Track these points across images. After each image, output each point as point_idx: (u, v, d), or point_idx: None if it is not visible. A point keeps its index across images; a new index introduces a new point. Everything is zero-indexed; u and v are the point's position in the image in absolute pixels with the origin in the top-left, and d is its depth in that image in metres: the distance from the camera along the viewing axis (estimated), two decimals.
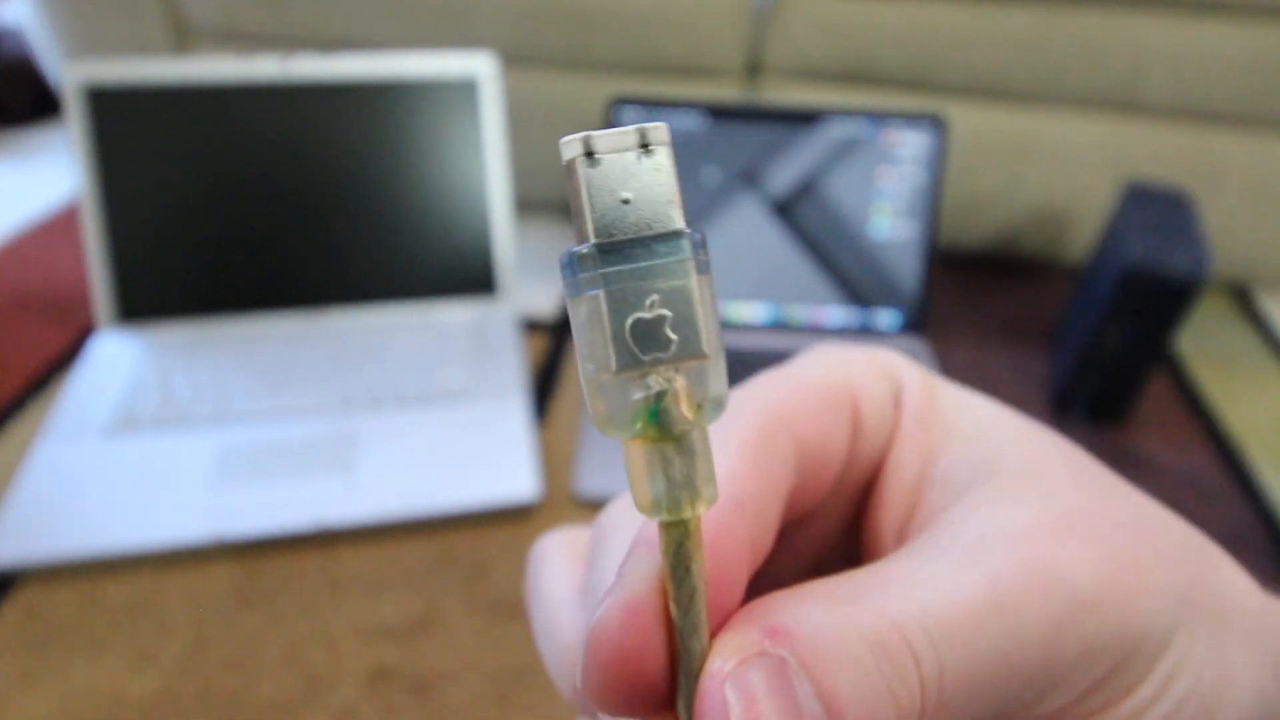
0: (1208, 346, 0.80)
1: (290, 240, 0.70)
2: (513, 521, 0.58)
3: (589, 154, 0.11)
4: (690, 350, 0.11)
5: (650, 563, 0.12)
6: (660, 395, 0.11)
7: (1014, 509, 0.14)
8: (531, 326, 0.77)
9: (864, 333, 0.74)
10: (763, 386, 0.16)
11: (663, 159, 0.11)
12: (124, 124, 0.65)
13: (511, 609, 0.53)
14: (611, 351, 0.10)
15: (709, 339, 0.11)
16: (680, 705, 0.12)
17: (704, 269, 0.11)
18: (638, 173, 0.11)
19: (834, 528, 0.18)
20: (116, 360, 0.66)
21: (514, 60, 0.81)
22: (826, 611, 0.12)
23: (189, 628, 0.51)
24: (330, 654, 0.50)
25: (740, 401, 0.15)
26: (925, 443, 0.16)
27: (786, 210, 0.73)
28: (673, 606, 0.12)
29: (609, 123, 0.72)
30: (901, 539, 0.16)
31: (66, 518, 0.54)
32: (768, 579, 0.18)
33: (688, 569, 0.12)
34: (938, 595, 0.13)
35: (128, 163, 0.66)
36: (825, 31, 0.78)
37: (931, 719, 0.12)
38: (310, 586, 0.53)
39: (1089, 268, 0.72)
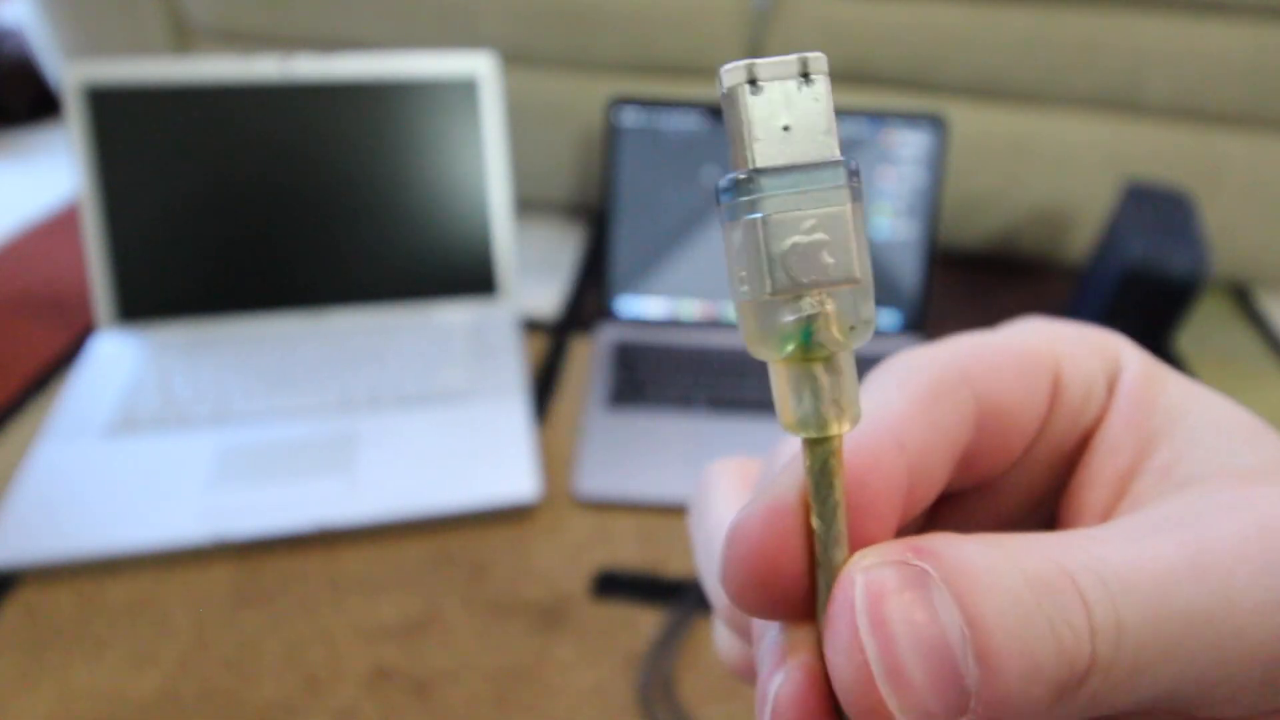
0: (1208, 346, 0.80)
1: (290, 240, 0.70)
2: (513, 521, 0.58)
3: (752, 81, 0.11)
4: (844, 274, 0.11)
5: (797, 474, 0.12)
6: (813, 318, 0.11)
7: (1241, 491, 0.12)
8: (531, 326, 0.77)
9: None
10: (955, 342, 0.16)
11: (821, 88, 0.11)
12: (124, 124, 0.65)
13: (511, 609, 0.53)
14: (768, 274, 0.11)
15: (861, 264, 0.11)
16: (820, 614, 0.12)
17: (858, 196, 0.11)
18: (797, 101, 0.11)
19: (1021, 503, 0.17)
20: (116, 360, 0.66)
21: (514, 60, 0.81)
22: (986, 548, 0.11)
23: (189, 628, 0.51)
24: (330, 654, 0.50)
25: (926, 352, 0.15)
26: (1144, 428, 0.15)
27: None
28: (814, 519, 0.12)
29: (609, 123, 0.72)
30: (1104, 521, 0.15)
31: (66, 518, 0.54)
32: None
33: (831, 484, 0.12)
34: (1126, 551, 0.11)
35: (128, 163, 0.66)
36: (825, 31, 0.78)
37: (1110, 676, 0.11)
38: (310, 586, 0.53)
39: (1089, 268, 0.72)
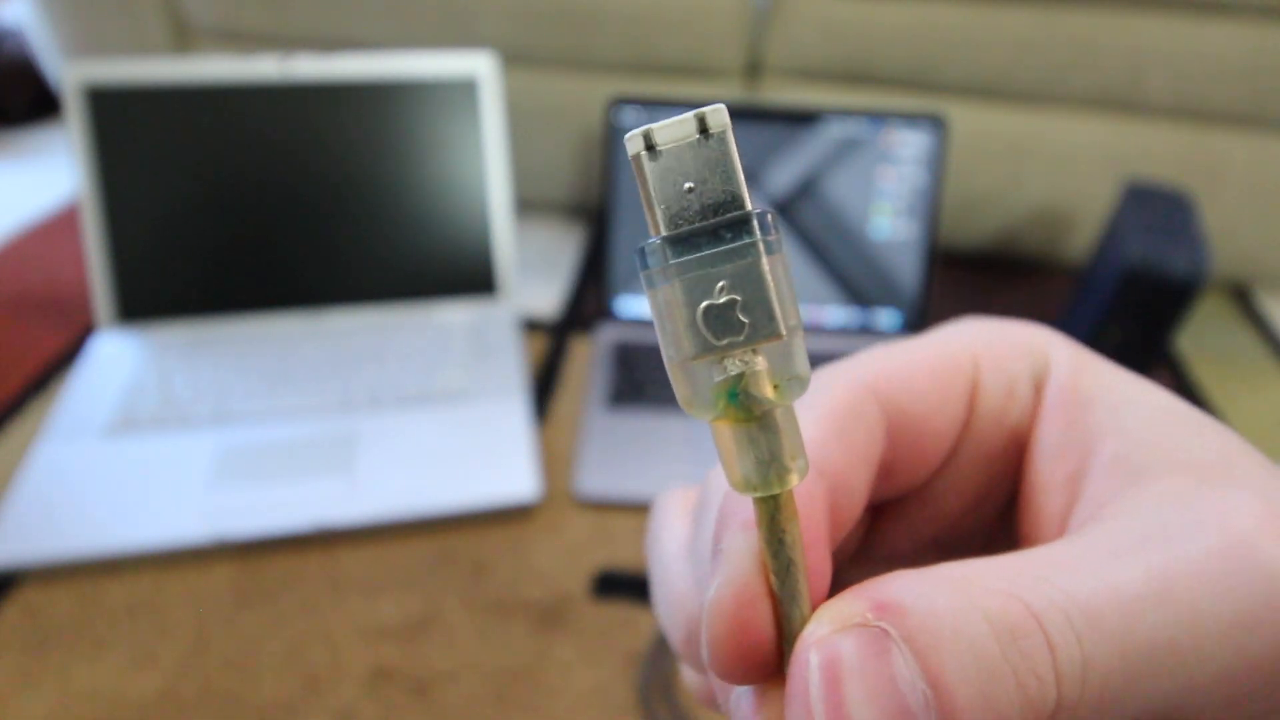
0: (1208, 346, 0.80)
1: (290, 240, 0.70)
2: (513, 521, 0.58)
3: (650, 147, 0.11)
4: (764, 332, 0.11)
5: (746, 539, 0.12)
6: (738, 378, 0.11)
7: (1204, 497, 0.12)
8: (531, 326, 0.77)
9: (864, 333, 0.74)
10: (862, 357, 0.16)
11: (721, 143, 0.11)
12: (124, 124, 0.65)
13: (511, 609, 0.53)
14: (686, 338, 0.11)
15: (783, 318, 0.11)
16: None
17: (773, 249, 0.11)
18: (699, 159, 0.11)
19: (958, 503, 0.17)
20: (116, 360, 0.66)
21: (514, 60, 0.81)
22: (950, 591, 0.11)
23: (189, 628, 0.51)
24: (330, 654, 0.50)
25: (831, 372, 0.15)
26: (1084, 425, 0.15)
27: (787, 210, 0.73)
28: (771, 578, 0.12)
29: (609, 123, 0.72)
30: (1064, 529, 0.14)
31: (66, 518, 0.54)
32: (884, 557, 0.18)
33: (781, 541, 0.12)
34: (1090, 580, 0.11)
35: (128, 163, 0.66)
36: (825, 31, 0.78)
37: (1073, 713, 0.10)
38: (310, 586, 0.53)
39: (1089, 268, 0.72)
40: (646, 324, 0.75)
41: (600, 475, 0.61)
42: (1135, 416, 0.14)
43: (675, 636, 0.16)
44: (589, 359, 0.73)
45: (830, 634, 0.11)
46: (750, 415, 0.11)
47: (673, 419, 0.65)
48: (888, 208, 0.73)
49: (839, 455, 0.14)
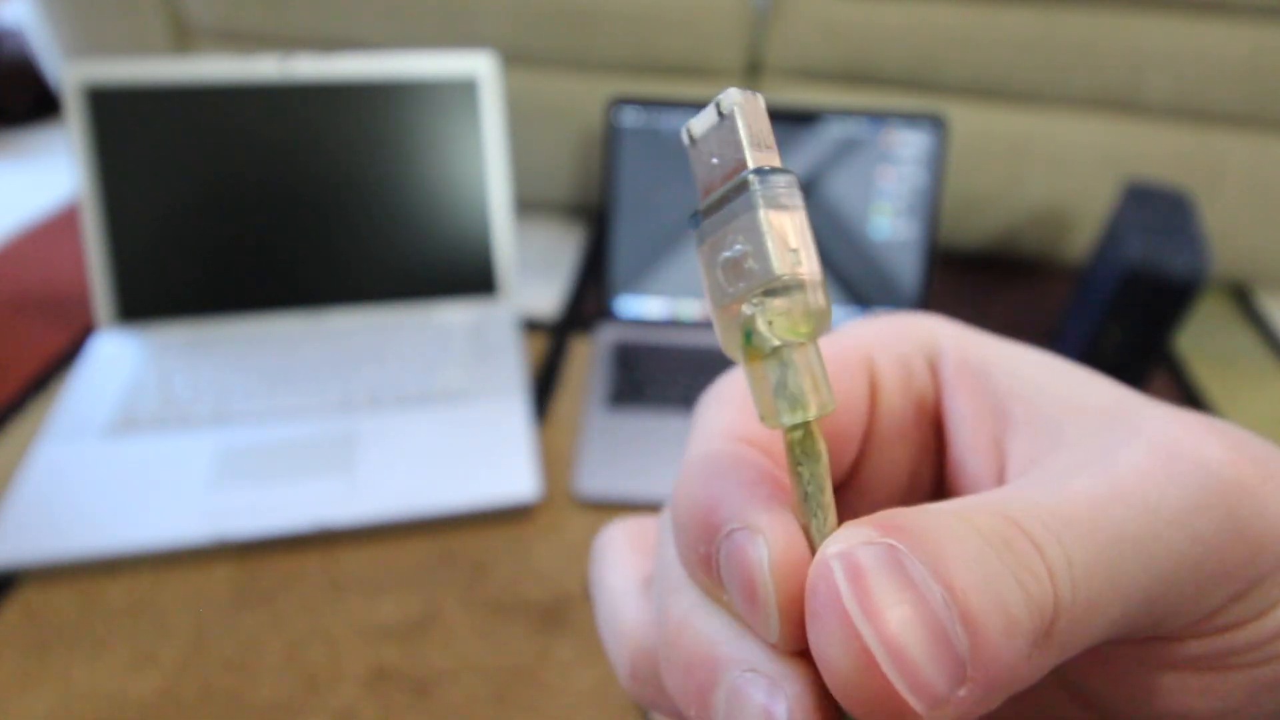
0: (1208, 346, 0.79)
1: (290, 240, 0.70)
2: (513, 521, 0.58)
3: (691, 139, 0.12)
4: (765, 276, 0.12)
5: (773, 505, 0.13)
6: (750, 319, 0.12)
7: (1124, 422, 0.13)
8: (531, 326, 0.77)
9: None
10: None
11: (732, 120, 0.12)
12: (124, 124, 0.65)
13: (511, 609, 0.53)
14: (714, 289, 0.12)
15: (780, 262, 0.12)
16: None
17: (773, 201, 0.12)
18: (720, 137, 0.12)
19: (892, 490, 0.18)
20: (116, 360, 0.66)
21: (514, 60, 0.81)
22: (941, 514, 0.11)
23: (189, 628, 0.51)
24: (330, 654, 0.50)
25: (730, 374, 0.16)
26: (988, 392, 0.16)
27: None
28: (801, 514, 0.12)
29: (609, 123, 0.72)
30: (1002, 483, 0.15)
31: (66, 518, 0.54)
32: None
33: (808, 475, 0.12)
34: (1053, 495, 0.12)
35: (128, 163, 0.66)
36: (825, 31, 0.78)
37: (1071, 614, 0.11)
38: (310, 586, 0.53)
39: (1089, 268, 0.72)
40: (646, 324, 0.75)
41: (600, 475, 0.61)
42: (1030, 377, 0.15)
43: (623, 672, 0.16)
44: (589, 359, 0.73)
45: (843, 549, 0.11)
46: (767, 352, 0.12)
47: (673, 419, 0.65)
48: (888, 208, 0.73)
49: (756, 429, 0.15)
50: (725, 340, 0.13)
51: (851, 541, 0.11)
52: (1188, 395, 0.73)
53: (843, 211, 0.73)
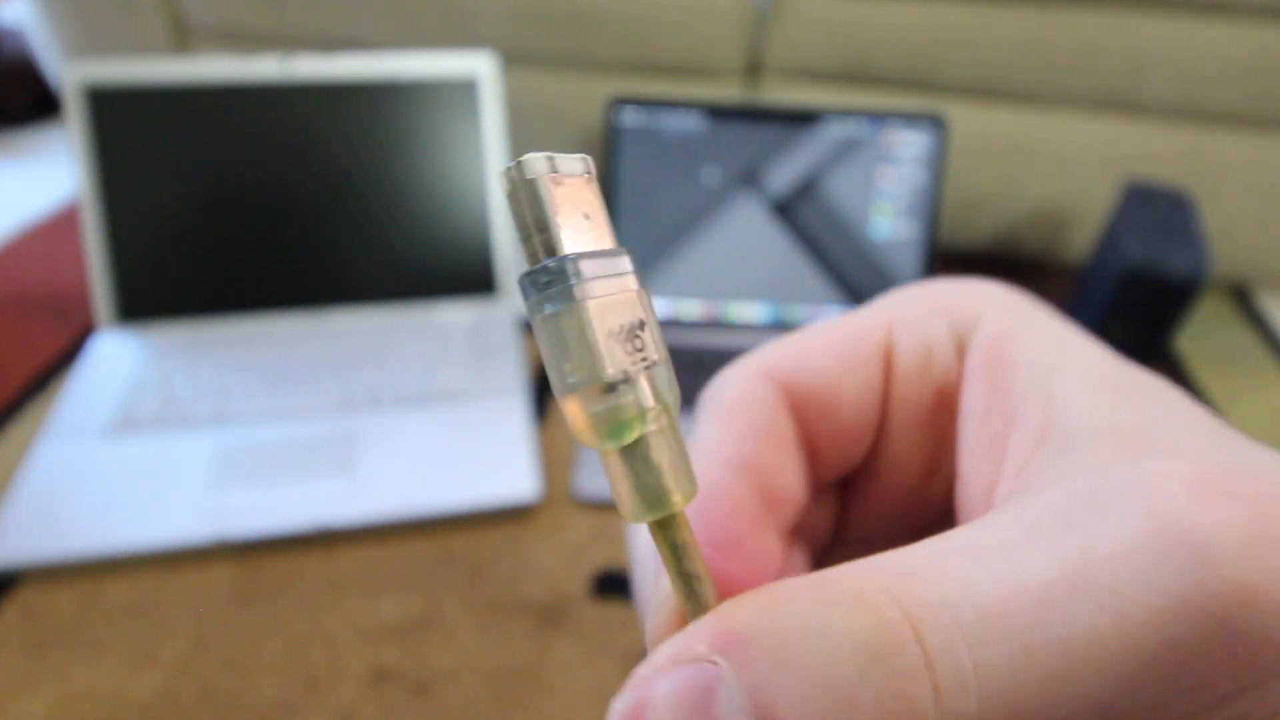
0: (1208, 346, 0.79)
1: (290, 240, 0.70)
2: (513, 521, 0.58)
3: (511, 181, 0.12)
4: (594, 377, 0.11)
5: (656, 580, 0.13)
6: (596, 414, 0.11)
7: (1131, 467, 0.11)
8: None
9: None
10: (761, 348, 0.16)
11: (539, 188, 0.11)
12: (124, 124, 0.65)
13: (511, 609, 0.53)
14: (552, 375, 0.11)
15: (611, 360, 0.11)
16: None
17: (593, 292, 0.11)
18: (536, 197, 0.11)
19: (910, 477, 0.16)
20: (116, 360, 0.66)
21: (514, 60, 0.81)
22: (807, 607, 0.10)
23: (189, 628, 0.51)
24: (330, 654, 0.50)
25: (730, 369, 0.16)
26: (1007, 388, 0.14)
27: (786, 210, 0.73)
28: (679, 598, 0.12)
29: (609, 123, 0.72)
30: (990, 501, 0.13)
31: (66, 518, 0.54)
32: (858, 538, 0.18)
33: (678, 562, 0.11)
34: (997, 570, 0.10)
35: (128, 163, 0.66)
36: (825, 31, 0.78)
37: None
38: (310, 586, 0.53)
39: (1089, 268, 0.72)
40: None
41: (600, 475, 0.61)
42: (1064, 381, 0.13)
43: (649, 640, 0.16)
44: None
45: (653, 672, 0.10)
46: (619, 445, 0.11)
47: None
48: (888, 208, 0.73)
49: (749, 443, 0.14)
50: (577, 431, 0.11)
51: (675, 657, 0.10)
52: (1188, 395, 0.73)
53: (843, 211, 0.73)
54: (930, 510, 0.17)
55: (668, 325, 0.75)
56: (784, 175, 0.72)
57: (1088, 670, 0.10)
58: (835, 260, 0.73)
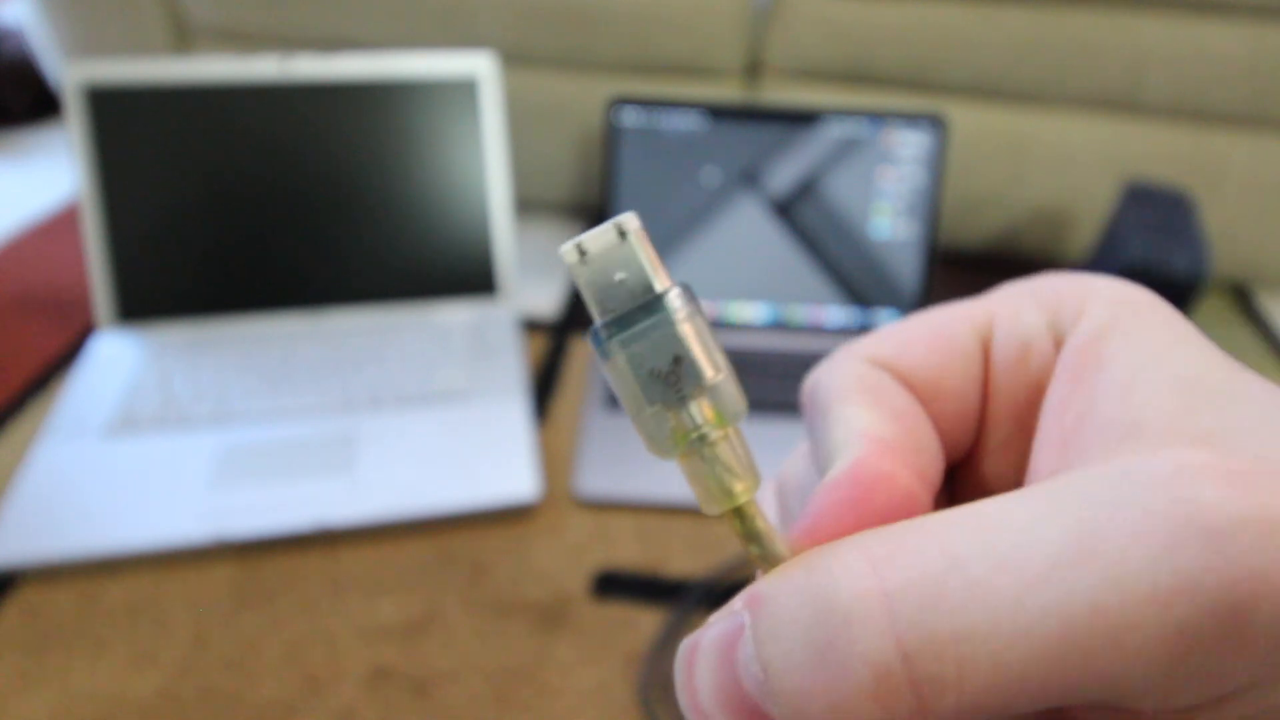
0: None
1: (290, 240, 0.70)
2: (513, 521, 0.58)
3: (582, 254, 0.13)
4: (695, 381, 0.13)
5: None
6: (684, 422, 0.13)
7: (1173, 464, 0.11)
8: (531, 326, 0.77)
9: (864, 333, 0.74)
10: (862, 338, 0.16)
11: (634, 241, 0.13)
12: (124, 124, 0.65)
13: (511, 609, 0.53)
14: (639, 397, 0.13)
15: (709, 367, 0.13)
16: None
17: (690, 315, 0.13)
18: (621, 256, 0.13)
19: (1008, 473, 0.16)
20: (116, 360, 0.66)
21: (514, 60, 0.81)
22: (801, 576, 0.11)
23: (189, 628, 0.51)
24: (330, 654, 0.50)
25: (834, 357, 0.16)
26: (1089, 385, 0.13)
27: (786, 210, 0.73)
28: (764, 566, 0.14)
29: (609, 123, 0.72)
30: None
31: (66, 518, 0.54)
32: None
33: (752, 545, 0.13)
34: (1003, 540, 0.10)
35: (128, 163, 0.66)
36: (825, 31, 0.78)
37: (966, 694, 0.10)
38: (310, 586, 0.53)
39: (1089, 268, 0.72)
40: None
41: (600, 475, 0.61)
42: (1149, 381, 0.12)
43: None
44: (589, 359, 0.73)
45: (712, 621, 0.12)
46: (700, 449, 0.13)
47: None
48: (888, 208, 0.73)
49: (897, 425, 0.14)
50: (654, 442, 0.13)
51: (726, 611, 0.12)
52: None
53: (843, 211, 0.73)
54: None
55: None
56: (784, 175, 0.72)
57: (1088, 641, 0.09)
58: (835, 260, 0.73)
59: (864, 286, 0.74)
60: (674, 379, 0.13)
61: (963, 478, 0.17)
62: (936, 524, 0.11)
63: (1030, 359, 0.15)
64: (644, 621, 0.52)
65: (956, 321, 0.15)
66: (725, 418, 0.13)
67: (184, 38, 0.88)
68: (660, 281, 0.13)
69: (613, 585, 0.54)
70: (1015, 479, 0.16)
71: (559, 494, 0.60)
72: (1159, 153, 0.79)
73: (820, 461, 0.15)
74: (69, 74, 0.64)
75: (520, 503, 0.58)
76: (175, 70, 0.65)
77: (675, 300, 0.13)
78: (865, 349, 0.16)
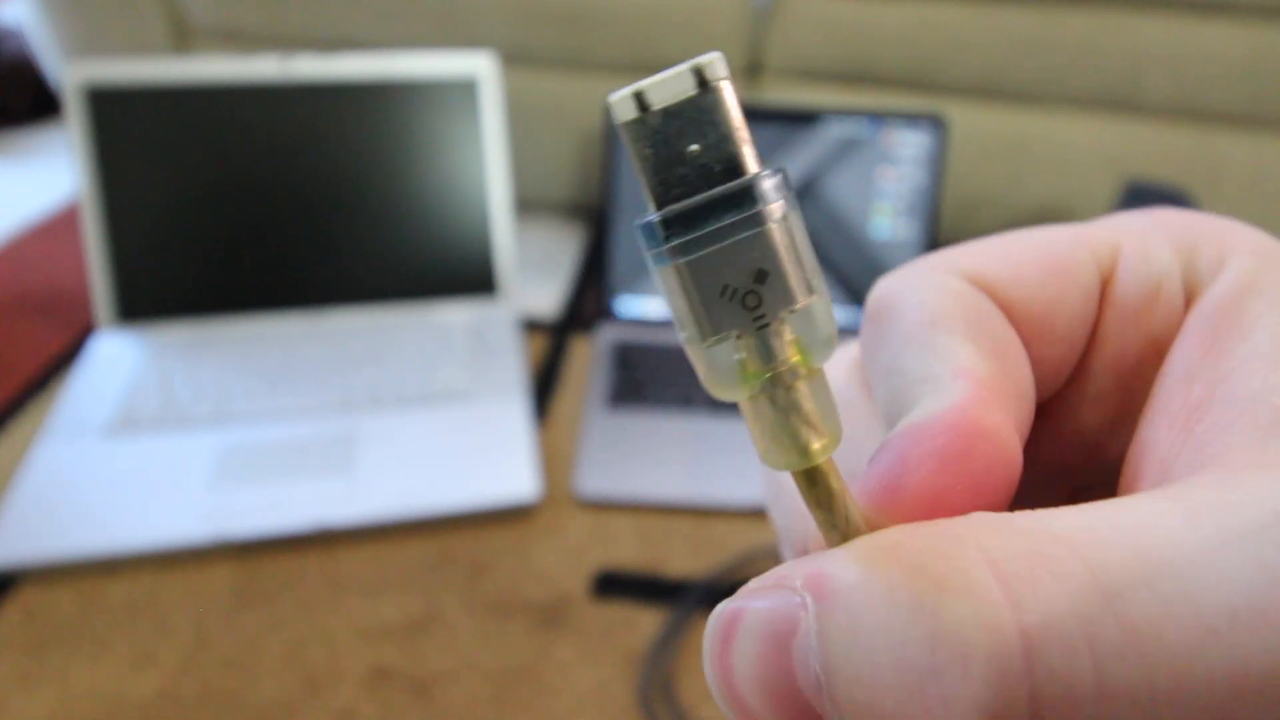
0: None
1: (290, 240, 0.70)
2: (513, 521, 0.58)
3: (644, 108, 0.10)
4: (781, 303, 0.10)
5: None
6: (759, 354, 0.10)
7: None
8: (531, 326, 0.77)
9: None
10: (961, 247, 0.14)
11: (720, 96, 0.10)
12: (124, 124, 0.65)
13: (511, 609, 0.53)
14: (701, 319, 0.10)
15: (799, 285, 0.10)
16: None
17: (786, 213, 0.10)
18: (698, 117, 0.10)
19: (1092, 426, 0.14)
20: (116, 360, 0.66)
21: (514, 60, 0.81)
22: (896, 571, 0.09)
23: (189, 628, 0.51)
24: (330, 654, 0.50)
25: (918, 264, 0.13)
26: (1225, 351, 0.11)
27: None
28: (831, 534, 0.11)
29: (609, 123, 0.72)
30: (1167, 474, 0.11)
31: (66, 518, 0.54)
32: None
33: (816, 512, 0.11)
34: (1165, 570, 0.08)
35: (128, 163, 0.66)
36: (825, 31, 0.78)
37: (1104, 707, 0.08)
38: (310, 586, 0.53)
39: None
40: (646, 324, 0.75)
41: (600, 475, 0.61)
42: None
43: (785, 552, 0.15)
44: (589, 359, 0.73)
45: (759, 589, 0.10)
46: (773, 393, 0.10)
47: (673, 419, 0.65)
48: (888, 208, 0.73)
49: (1001, 365, 0.12)
50: (714, 378, 0.10)
51: (777, 579, 0.10)
52: None
53: (843, 211, 0.73)
54: (1100, 468, 0.14)
55: (668, 325, 0.75)
56: None
57: (1253, 709, 0.08)
58: (835, 260, 0.73)
59: (864, 286, 0.74)
60: (753, 300, 0.10)
61: (1037, 426, 0.13)
62: (1076, 531, 0.09)
63: (1156, 308, 0.12)
64: (644, 621, 0.52)
65: (1077, 248, 0.13)
66: (812, 355, 0.10)
67: (184, 38, 0.88)
68: (751, 161, 0.10)
69: (613, 585, 0.54)
70: (1102, 441, 0.14)
71: (559, 494, 0.60)
72: (1159, 153, 0.79)
73: (890, 392, 0.12)
74: (69, 74, 0.64)
75: (520, 503, 0.58)
76: (175, 70, 0.65)
77: (771, 190, 0.10)
78: (963, 261, 0.13)
